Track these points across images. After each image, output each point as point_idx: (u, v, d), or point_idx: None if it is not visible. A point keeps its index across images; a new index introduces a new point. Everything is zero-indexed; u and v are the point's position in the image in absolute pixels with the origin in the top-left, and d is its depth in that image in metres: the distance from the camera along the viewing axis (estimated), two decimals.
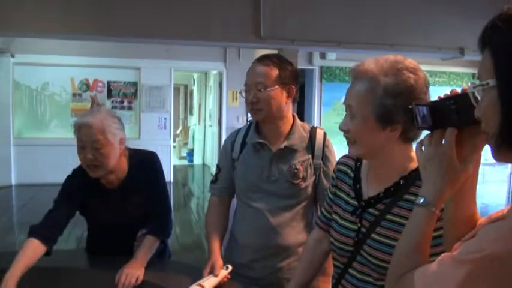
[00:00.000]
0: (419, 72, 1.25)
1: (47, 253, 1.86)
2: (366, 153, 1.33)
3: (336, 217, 1.46)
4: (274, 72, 1.84)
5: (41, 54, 8.65)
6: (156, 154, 2.14)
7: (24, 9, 5.02)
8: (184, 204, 7.95)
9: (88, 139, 1.88)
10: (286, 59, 1.93)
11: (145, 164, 2.08)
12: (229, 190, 2.04)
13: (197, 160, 12.53)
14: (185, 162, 12.69)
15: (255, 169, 1.92)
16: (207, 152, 11.93)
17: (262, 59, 1.89)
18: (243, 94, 1.90)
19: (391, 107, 1.22)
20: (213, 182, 2.06)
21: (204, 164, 12.18)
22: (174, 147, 11.42)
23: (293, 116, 1.97)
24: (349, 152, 1.37)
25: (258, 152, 1.93)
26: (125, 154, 2.05)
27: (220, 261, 1.82)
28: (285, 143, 1.89)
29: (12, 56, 8.68)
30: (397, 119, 1.22)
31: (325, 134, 1.96)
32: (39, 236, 1.84)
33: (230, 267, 1.82)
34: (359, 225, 1.36)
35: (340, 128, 1.33)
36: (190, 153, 13.01)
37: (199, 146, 12.59)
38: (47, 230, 1.88)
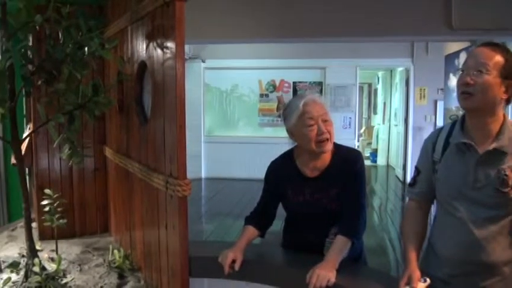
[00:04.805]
0: None
1: (262, 235, 2.17)
2: None
3: None
4: (500, 59, 1.62)
5: (230, 58, 9.55)
6: (360, 153, 2.15)
7: (213, 19, 5.41)
8: (367, 204, 7.78)
9: (318, 112, 1.98)
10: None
11: (348, 159, 2.07)
12: (429, 195, 1.87)
13: (381, 161, 12.23)
14: (368, 162, 12.47)
15: (458, 173, 1.72)
16: (391, 152, 11.57)
17: (489, 44, 1.69)
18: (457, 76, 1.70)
19: None
20: (411, 185, 1.93)
21: (388, 165, 11.82)
22: (358, 146, 11.30)
23: (503, 115, 1.72)
24: None
25: (462, 154, 1.72)
26: None
27: (417, 273, 1.67)
28: (494, 144, 1.66)
29: (203, 61, 9.77)
30: None
31: None
32: (252, 223, 2.14)
33: (428, 280, 1.66)
34: None
35: None
36: (374, 154, 12.77)
37: (383, 146, 12.29)
38: (258, 218, 2.17)
